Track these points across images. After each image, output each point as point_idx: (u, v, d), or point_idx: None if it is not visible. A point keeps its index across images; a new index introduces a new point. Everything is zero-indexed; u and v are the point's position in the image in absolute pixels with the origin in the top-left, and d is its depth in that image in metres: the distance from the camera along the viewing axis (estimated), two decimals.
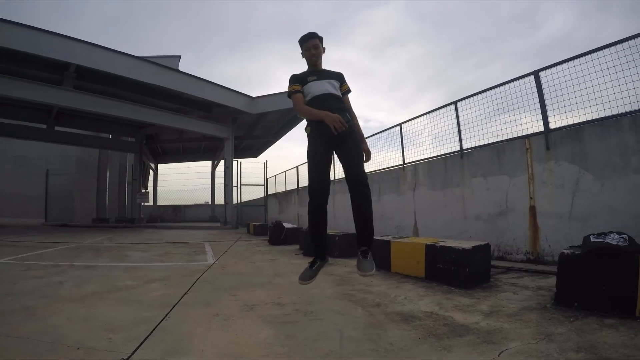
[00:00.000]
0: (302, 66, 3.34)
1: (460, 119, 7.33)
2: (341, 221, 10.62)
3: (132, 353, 2.30)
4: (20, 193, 26.82)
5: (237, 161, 20.80)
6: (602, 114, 4.99)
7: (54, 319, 3.01)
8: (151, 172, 28.68)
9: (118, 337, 2.57)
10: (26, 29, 12.44)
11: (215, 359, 2.25)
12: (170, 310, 3.30)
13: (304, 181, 14.91)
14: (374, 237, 3.43)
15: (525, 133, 6.02)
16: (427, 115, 8.27)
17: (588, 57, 5.11)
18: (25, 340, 2.51)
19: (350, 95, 3.34)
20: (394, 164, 9.39)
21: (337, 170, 10.73)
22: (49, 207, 22.81)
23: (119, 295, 3.93)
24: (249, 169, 26.05)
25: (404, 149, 9.10)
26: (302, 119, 3.22)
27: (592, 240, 3.18)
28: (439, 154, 7.95)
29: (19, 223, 20.79)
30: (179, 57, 21.57)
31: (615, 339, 2.36)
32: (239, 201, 20.81)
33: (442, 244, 4.54)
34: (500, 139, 6.48)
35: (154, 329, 2.76)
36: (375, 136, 10.27)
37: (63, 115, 18.63)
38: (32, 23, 12.67)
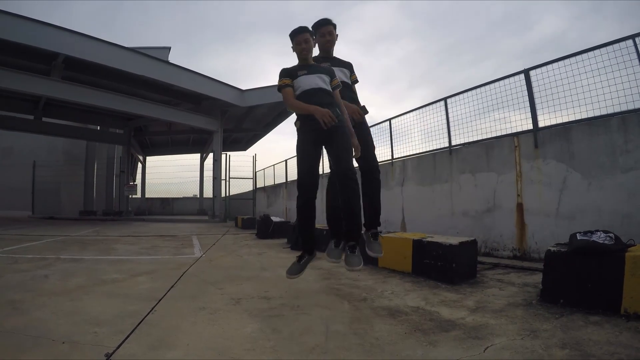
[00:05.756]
0: (292, 60, 3.32)
1: (450, 115, 7.37)
2: None
3: (118, 347, 2.27)
4: (6, 185, 26.31)
5: (226, 154, 20.68)
6: (591, 114, 5.04)
7: (40, 313, 2.97)
8: (139, 165, 28.40)
9: (103, 331, 2.54)
10: (14, 18, 12.11)
11: (200, 353, 2.23)
12: (157, 304, 3.28)
13: (293, 175, 14.87)
14: (362, 232, 3.44)
15: (514, 131, 6.06)
16: (417, 111, 8.31)
17: (579, 57, 5.14)
18: (10, 334, 2.47)
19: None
20: (383, 159, 9.39)
21: (326, 164, 10.73)
22: (36, 200, 22.45)
23: (105, 289, 3.89)
24: (238, 162, 25.89)
25: (393, 144, 9.15)
26: (291, 113, 3.22)
27: (578, 238, 3.21)
28: (427, 149, 7.98)
29: (5, 215, 20.45)
30: (169, 48, 21.30)
31: (600, 336, 2.39)
32: (227, 194, 20.72)
33: (429, 239, 4.55)
34: (489, 136, 6.52)
35: (139, 323, 2.73)
36: None
37: (51, 106, 18.28)
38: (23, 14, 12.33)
